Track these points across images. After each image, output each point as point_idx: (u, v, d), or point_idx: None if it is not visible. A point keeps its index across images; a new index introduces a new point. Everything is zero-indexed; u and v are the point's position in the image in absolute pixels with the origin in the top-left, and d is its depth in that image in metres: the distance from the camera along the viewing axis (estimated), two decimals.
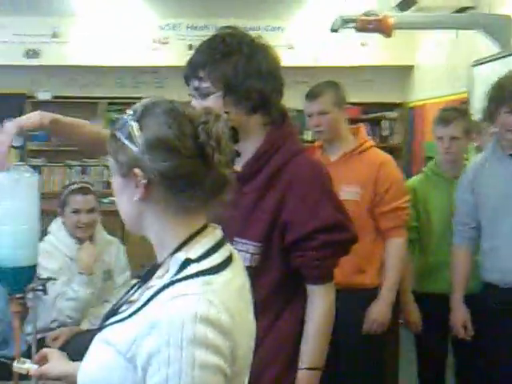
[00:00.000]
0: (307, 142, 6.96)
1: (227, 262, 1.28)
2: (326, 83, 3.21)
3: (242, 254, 1.70)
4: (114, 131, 1.29)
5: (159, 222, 1.28)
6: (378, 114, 7.57)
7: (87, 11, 6.81)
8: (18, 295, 1.62)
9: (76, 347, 1.45)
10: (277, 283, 1.86)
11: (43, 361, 1.59)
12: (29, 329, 2.95)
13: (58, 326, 3.13)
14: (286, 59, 7.79)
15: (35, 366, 1.58)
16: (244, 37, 1.85)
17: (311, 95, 3.12)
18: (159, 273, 1.28)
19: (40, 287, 1.74)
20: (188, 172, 1.23)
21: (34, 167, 7.33)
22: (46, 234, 3.35)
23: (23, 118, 1.68)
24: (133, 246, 3.70)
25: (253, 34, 1.90)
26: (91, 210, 3.29)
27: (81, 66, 7.19)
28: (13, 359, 1.63)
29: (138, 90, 7.24)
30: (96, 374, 1.23)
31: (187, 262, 1.22)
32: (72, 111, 7.39)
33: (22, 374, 1.63)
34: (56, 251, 3.23)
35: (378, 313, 3.03)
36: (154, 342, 1.12)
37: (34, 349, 1.82)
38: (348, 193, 3.02)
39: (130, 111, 1.29)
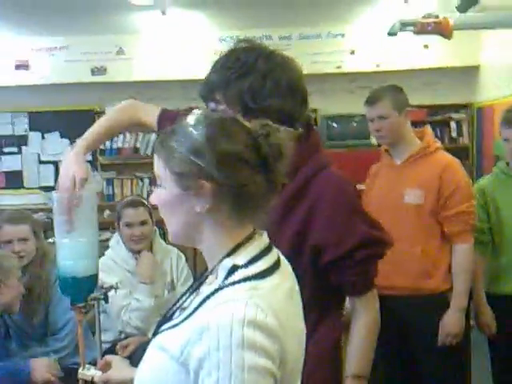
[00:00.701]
0: (373, 146, 6.92)
1: (274, 267, 1.28)
2: (385, 87, 3.19)
3: None
4: (169, 142, 1.28)
5: (212, 232, 1.28)
6: (445, 116, 7.44)
7: (150, 28, 6.95)
8: (80, 304, 1.67)
9: (143, 355, 1.50)
10: (310, 297, 1.74)
11: (107, 367, 1.64)
12: (102, 337, 3.02)
13: (126, 337, 3.20)
14: (348, 65, 7.81)
15: (99, 373, 1.63)
16: (261, 51, 1.74)
17: (370, 100, 3.10)
18: (209, 280, 1.30)
19: (101, 296, 1.79)
20: (252, 183, 1.24)
21: (107, 180, 7.56)
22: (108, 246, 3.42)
23: (75, 173, 1.75)
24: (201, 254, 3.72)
25: (269, 44, 1.80)
26: (143, 223, 3.31)
27: (146, 81, 7.33)
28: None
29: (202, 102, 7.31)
30: (151, 380, 1.25)
31: (234, 268, 1.24)
32: None
33: (88, 381, 1.68)
34: (115, 265, 3.29)
35: (452, 324, 2.95)
36: (204, 346, 1.15)
37: (99, 356, 1.87)
38: (412, 196, 2.99)
39: (189, 122, 1.28)
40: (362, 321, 1.85)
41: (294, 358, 1.26)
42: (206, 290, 1.26)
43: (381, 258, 1.89)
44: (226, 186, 1.23)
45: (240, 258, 1.25)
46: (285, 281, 1.30)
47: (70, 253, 1.64)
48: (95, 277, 1.70)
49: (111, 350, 3.05)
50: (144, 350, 1.34)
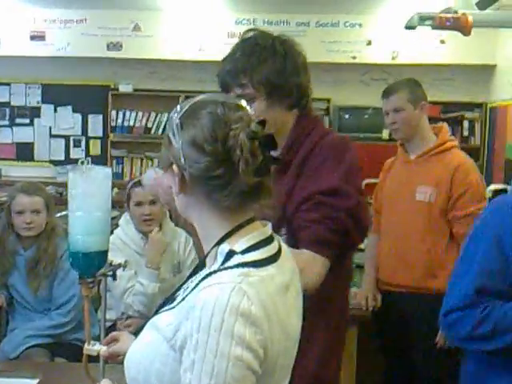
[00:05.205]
0: (383, 140, 6.89)
1: (271, 259, 1.27)
2: (402, 81, 3.21)
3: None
4: (167, 126, 1.36)
5: (202, 216, 1.31)
6: (458, 114, 7.39)
7: (167, 5, 6.91)
8: (88, 279, 1.67)
9: None
10: None
11: (113, 343, 1.65)
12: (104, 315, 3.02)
13: (127, 318, 3.20)
14: (364, 55, 7.70)
15: (104, 348, 1.64)
16: (272, 35, 1.88)
17: (386, 93, 3.10)
18: (209, 264, 1.31)
19: (110, 273, 1.79)
20: (216, 175, 1.24)
21: (117, 158, 7.55)
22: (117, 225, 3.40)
23: None
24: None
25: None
26: (153, 202, 3.24)
27: (160, 60, 7.31)
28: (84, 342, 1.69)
29: (215, 84, 7.27)
30: (141, 357, 1.27)
31: (231, 254, 1.24)
32: (152, 104, 7.58)
33: (92, 356, 1.69)
34: (123, 245, 3.26)
35: None
36: (189, 326, 1.16)
37: (102, 332, 1.87)
38: (423, 194, 2.97)
39: (178, 108, 1.32)
40: (309, 278, 1.66)
41: (278, 352, 1.23)
42: (203, 273, 1.26)
43: (346, 237, 1.75)
44: (189, 173, 1.26)
45: (238, 245, 1.26)
46: (281, 274, 1.28)
47: (83, 227, 1.64)
48: (105, 253, 1.71)
49: (112, 329, 3.06)
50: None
